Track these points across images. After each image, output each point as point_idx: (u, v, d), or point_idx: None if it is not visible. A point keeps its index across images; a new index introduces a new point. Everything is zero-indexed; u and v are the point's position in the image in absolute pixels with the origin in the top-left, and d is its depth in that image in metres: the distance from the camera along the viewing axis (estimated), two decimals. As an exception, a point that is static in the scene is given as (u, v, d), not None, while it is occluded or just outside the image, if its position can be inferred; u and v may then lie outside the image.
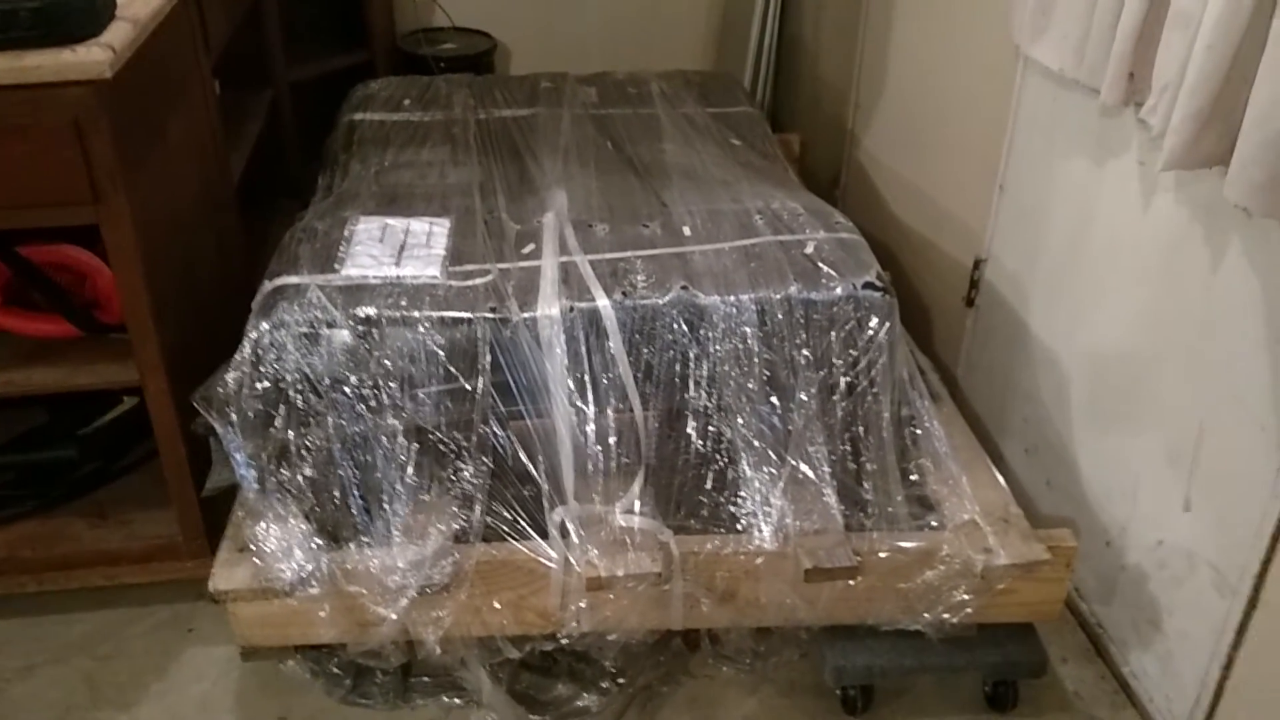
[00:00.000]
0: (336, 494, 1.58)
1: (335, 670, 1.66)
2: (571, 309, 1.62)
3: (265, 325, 1.55)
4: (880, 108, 2.60)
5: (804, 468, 1.60)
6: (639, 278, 1.68)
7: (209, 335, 1.73)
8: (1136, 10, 1.47)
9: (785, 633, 1.69)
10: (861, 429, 1.66)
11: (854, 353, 1.65)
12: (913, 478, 1.67)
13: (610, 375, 1.62)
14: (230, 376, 1.54)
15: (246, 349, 1.55)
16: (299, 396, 1.55)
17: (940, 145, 2.29)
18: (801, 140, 2.81)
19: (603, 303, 1.63)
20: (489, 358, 1.59)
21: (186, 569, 1.78)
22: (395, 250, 1.71)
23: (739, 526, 1.60)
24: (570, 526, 1.56)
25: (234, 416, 1.54)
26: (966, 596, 1.56)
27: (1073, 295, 1.82)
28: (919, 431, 1.68)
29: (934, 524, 1.62)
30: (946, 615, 1.57)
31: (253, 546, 1.53)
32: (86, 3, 1.37)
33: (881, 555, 1.55)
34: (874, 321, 1.65)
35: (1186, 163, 1.38)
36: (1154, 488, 1.64)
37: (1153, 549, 1.65)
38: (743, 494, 1.61)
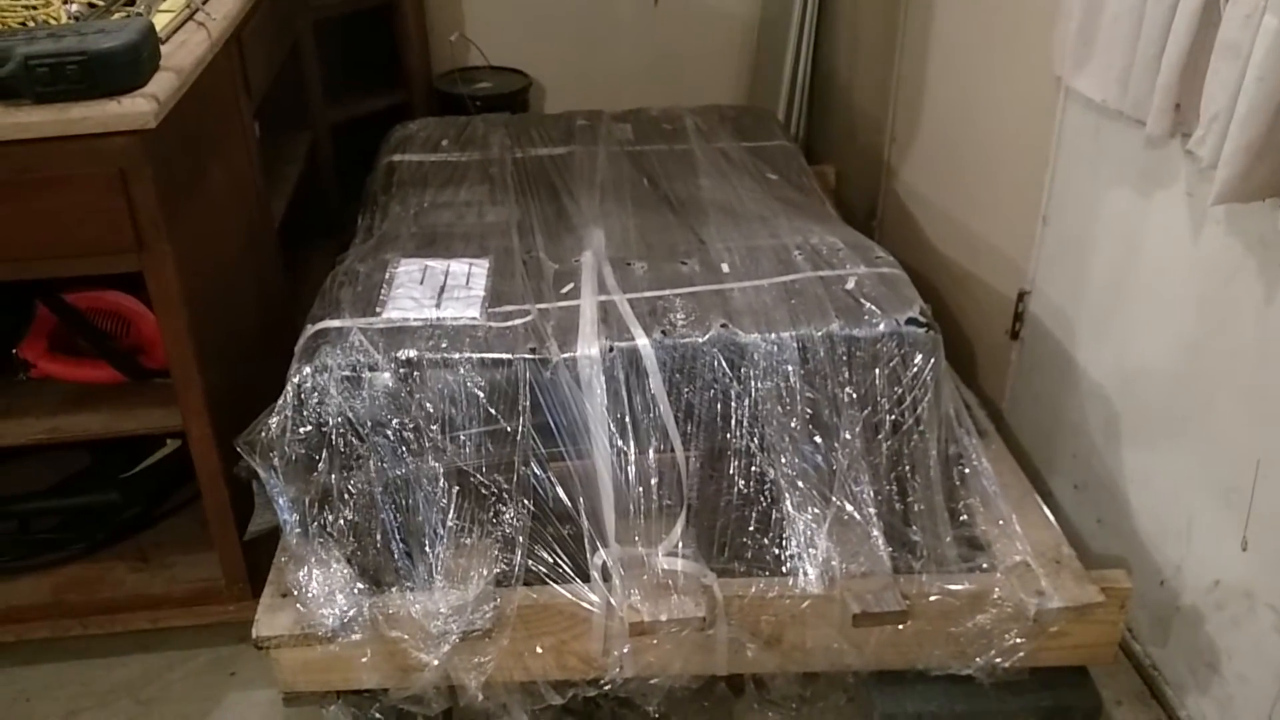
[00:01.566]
0: (378, 537, 1.58)
1: (377, 716, 1.64)
2: (611, 349, 1.61)
3: (308, 369, 1.56)
4: (917, 139, 2.58)
5: (849, 508, 1.58)
6: (678, 316, 1.67)
7: (250, 378, 1.74)
8: (1182, 41, 1.45)
9: (832, 677, 1.65)
10: (908, 468, 1.64)
11: (898, 390, 1.63)
12: (961, 518, 1.64)
13: (651, 415, 1.61)
14: (273, 421, 1.55)
15: (289, 393, 1.55)
16: (341, 440, 1.55)
17: (980, 177, 2.26)
18: (837, 172, 2.80)
19: (642, 342, 1.62)
20: (529, 399, 1.58)
21: (229, 612, 1.78)
22: (435, 292, 1.71)
23: (784, 569, 1.57)
24: (612, 569, 1.55)
25: (276, 461, 1.54)
26: (1019, 640, 1.52)
27: (1121, 328, 1.79)
28: (967, 470, 1.65)
29: (984, 566, 1.58)
30: (998, 659, 1.53)
31: (295, 591, 1.53)
32: (131, 55, 1.38)
33: (931, 599, 1.52)
34: (918, 358, 1.63)
35: (1239, 195, 1.36)
36: (1209, 526, 1.60)
37: (1209, 590, 1.61)
38: (787, 535, 1.58)
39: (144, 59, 1.42)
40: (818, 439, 1.61)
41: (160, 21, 1.58)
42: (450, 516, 1.57)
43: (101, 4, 1.63)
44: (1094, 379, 1.87)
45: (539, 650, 1.54)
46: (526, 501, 1.58)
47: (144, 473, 1.95)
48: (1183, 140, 1.54)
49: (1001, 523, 1.62)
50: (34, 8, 1.58)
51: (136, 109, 1.38)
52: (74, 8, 1.59)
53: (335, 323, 1.64)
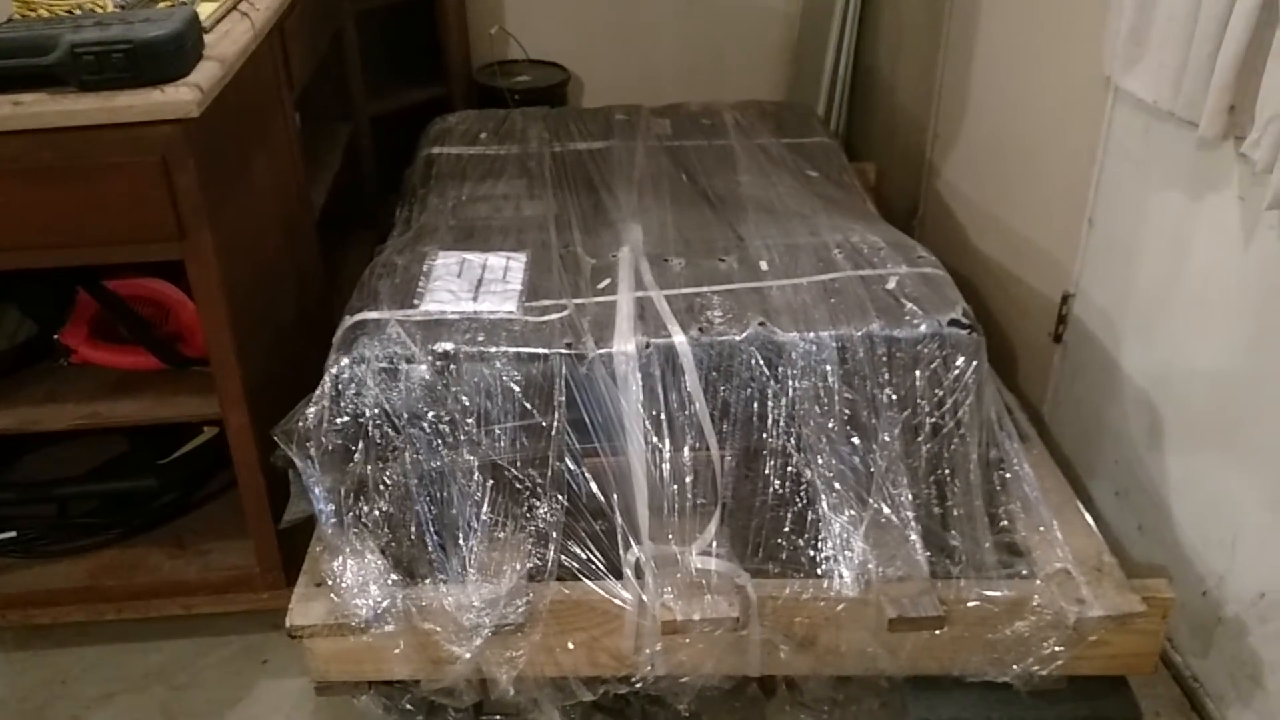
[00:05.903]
0: (412, 529, 1.58)
1: (408, 707, 1.64)
2: (648, 345, 1.60)
3: (345, 360, 1.56)
4: (961, 137, 2.55)
5: (887, 511, 1.56)
6: (715, 313, 1.66)
7: (288, 367, 1.75)
8: (1239, 40, 1.41)
9: (865, 680, 1.64)
10: (947, 471, 1.61)
11: (939, 392, 1.61)
12: (1001, 523, 1.62)
13: (686, 413, 1.60)
14: (310, 411, 1.55)
15: (327, 383, 1.55)
16: (377, 431, 1.55)
17: (1025, 176, 2.23)
18: (878, 169, 2.77)
19: (679, 339, 1.61)
20: (564, 394, 1.58)
21: (262, 600, 1.79)
22: (473, 285, 1.71)
23: (819, 571, 1.56)
24: (645, 567, 1.54)
25: (313, 450, 1.55)
26: (1057, 648, 1.50)
27: (1167, 333, 1.75)
28: (1008, 475, 1.63)
29: (1024, 572, 1.56)
30: (1036, 667, 1.51)
31: (330, 581, 1.53)
32: (176, 44, 1.39)
33: (969, 605, 1.50)
34: (960, 360, 1.60)
35: (1295, 200, 1.33)
36: (1255, 536, 1.57)
37: (1254, 602, 1.57)
38: (823, 537, 1.57)
39: (188, 48, 1.43)
40: (856, 440, 1.59)
41: (204, 11, 1.58)
42: (484, 510, 1.56)
43: (147, -7, 1.64)
44: (1138, 384, 1.84)
45: (570, 646, 1.54)
46: (560, 497, 1.58)
47: (181, 459, 1.96)
48: (1236, 143, 1.51)
49: (1042, 529, 1.59)
50: (81, -4, 1.59)
51: (180, 98, 1.39)
52: (120, -4, 1.60)
53: (373, 314, 1.64)
